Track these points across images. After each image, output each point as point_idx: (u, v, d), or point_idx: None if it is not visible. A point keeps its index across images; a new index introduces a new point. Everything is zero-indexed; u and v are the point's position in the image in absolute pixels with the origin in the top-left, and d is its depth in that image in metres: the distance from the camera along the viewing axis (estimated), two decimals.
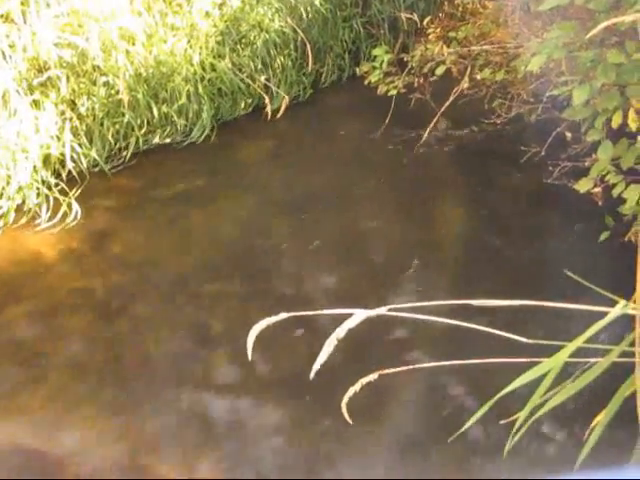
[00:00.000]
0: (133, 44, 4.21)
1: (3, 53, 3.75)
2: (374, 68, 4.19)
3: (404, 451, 2.42)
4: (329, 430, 2.46)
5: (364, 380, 1.50)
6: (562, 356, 1.00)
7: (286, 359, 2.77)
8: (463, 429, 1.09)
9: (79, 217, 3.70)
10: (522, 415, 1.07)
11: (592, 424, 1.26)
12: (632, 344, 1.15)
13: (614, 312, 1.03)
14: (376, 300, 3.01)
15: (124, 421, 2.57)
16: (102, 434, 2.52)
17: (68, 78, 3.99)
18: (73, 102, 4.06)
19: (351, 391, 1.51)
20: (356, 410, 1.29)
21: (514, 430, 1.10)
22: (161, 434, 2.50)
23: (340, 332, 1.40)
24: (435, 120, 4.03)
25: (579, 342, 0.98)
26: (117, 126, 4.20)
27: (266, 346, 1.40)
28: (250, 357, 1.34)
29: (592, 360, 1.34)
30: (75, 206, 3.73)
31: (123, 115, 4.18)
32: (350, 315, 1.36)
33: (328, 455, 2.39)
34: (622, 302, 1.03)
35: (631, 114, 2.66)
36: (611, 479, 1.12)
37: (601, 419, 1.13)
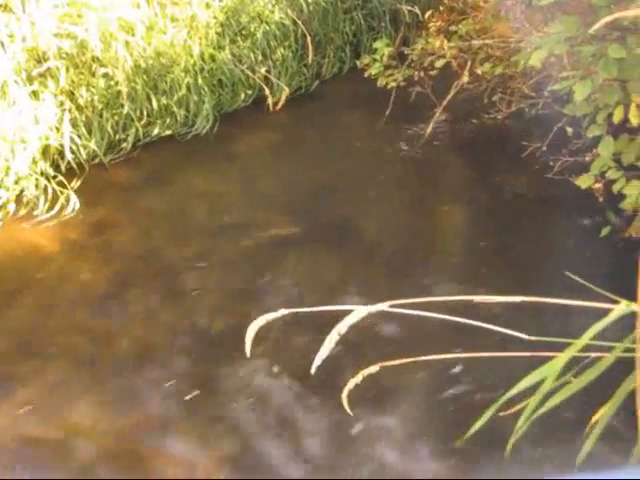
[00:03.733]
0: (132, 35, 4.18)
1: (2, 43, 3.74)
2: (375, 61, 4.17)
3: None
4: None
5: (365, 372, 1.51)
6: (570, 352, 1.01)
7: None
8: (476, 427, 1.10)
9: (77, 209, 3.69)
10: (528, 408, 1.07)
11: (593, 419, 1.27)
12: (634, 341, 1.15)
13: (618, 310, 1.02)
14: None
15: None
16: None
17: (67, 69, 3.97)
18: (72, 93, 4.03)
19: (352, 383, 1.52)
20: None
21: (518, 425, 1.10)
22: None
23: (341, 328, 1.40)
24: (436, 114, 4.02)
25: (586, 339, 0.98)
26: (116, 117, 4.17)
27: None
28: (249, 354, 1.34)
29: (592, 355, 1.34)
30: (74, 197, 3.73)
31: (122, 106, 4.15)
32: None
33: None
34: (624, 301, 1.03)
35: (632, 109, 2.67)
36: (611, 479, 1.13)
37: (605, 412, 1.13)
